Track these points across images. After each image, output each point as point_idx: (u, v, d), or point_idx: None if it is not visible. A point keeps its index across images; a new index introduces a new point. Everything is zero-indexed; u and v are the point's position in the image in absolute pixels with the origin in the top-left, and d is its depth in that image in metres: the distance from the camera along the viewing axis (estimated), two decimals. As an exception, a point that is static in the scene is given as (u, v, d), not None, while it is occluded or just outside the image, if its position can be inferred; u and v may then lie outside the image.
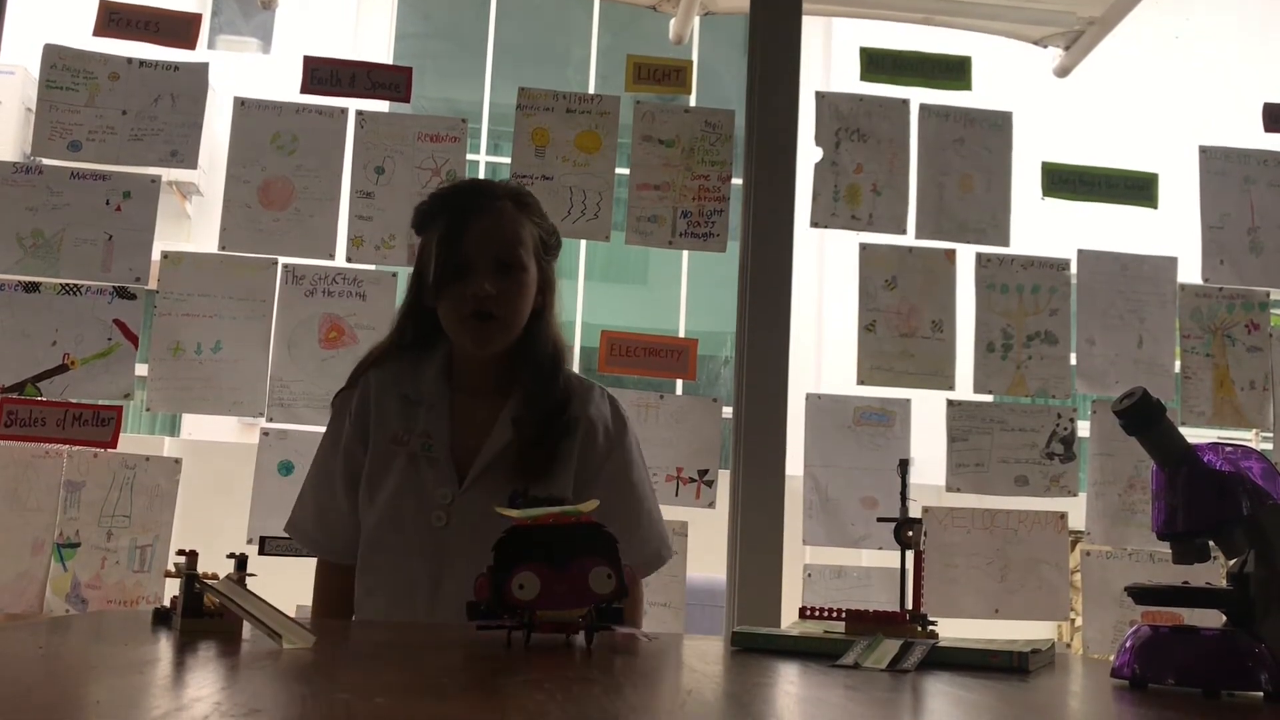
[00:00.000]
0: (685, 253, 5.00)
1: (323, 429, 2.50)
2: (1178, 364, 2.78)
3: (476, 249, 1.67)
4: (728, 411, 2.65)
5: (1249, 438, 4.34)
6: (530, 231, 1.73)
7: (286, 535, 1.88)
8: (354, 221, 2.58)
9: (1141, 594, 1.16)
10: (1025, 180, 2.79)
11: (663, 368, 2.64)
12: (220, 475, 3.22)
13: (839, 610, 1.33)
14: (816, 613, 1.36)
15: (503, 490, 1.45)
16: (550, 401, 1.70)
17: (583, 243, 2.73)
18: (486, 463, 1.66)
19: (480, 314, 1.66)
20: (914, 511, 1.41)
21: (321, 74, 2.63)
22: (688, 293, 8.21)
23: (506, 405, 1.70)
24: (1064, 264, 2.78)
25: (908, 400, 2.70)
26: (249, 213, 2.56)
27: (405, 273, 2.57)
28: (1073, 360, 2.75)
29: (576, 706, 0.82)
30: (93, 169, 2.53)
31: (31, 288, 2.48)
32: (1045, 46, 3.86)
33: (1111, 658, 1.13)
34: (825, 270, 7.15)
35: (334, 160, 2.59)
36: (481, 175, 8.40)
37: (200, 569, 1.20)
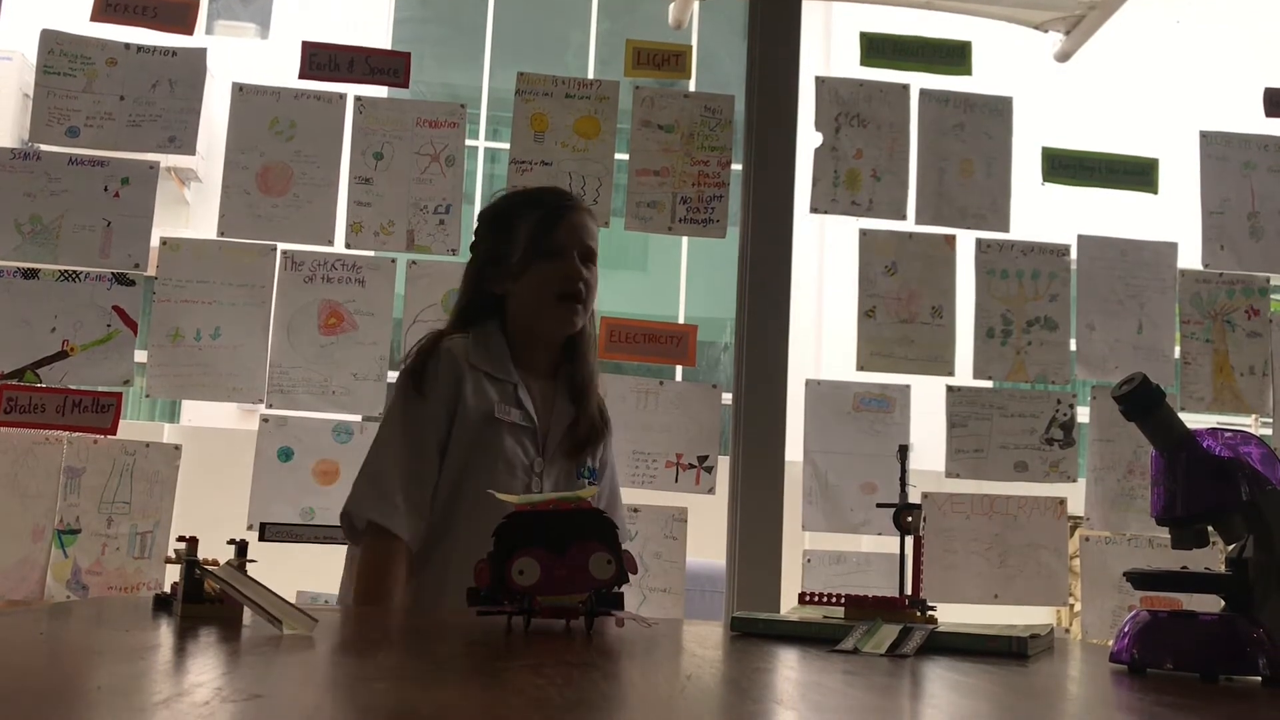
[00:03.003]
0: (685, 238, 5.00)
1: (321, 415, 2.53)
2: (1177, 349, 2.78)
3: (569, 237, 1.84)
4: (727, 398, 2.65)
5: (1248, 423, 4.34)
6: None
7: (347, 517, 1.73)
8: (353, 207, 2.57)
9: (1140, 579, 1.16)
10: (1025, 165, 2.79)
11: (662, 354, 2.64)
12: (220, 461, 3.22)
13: (838, 595, 1.33)
14: (816, 598, 1.37)
15: (563, 460, 1.81)
16: (587, 384, 1.88)
17: (582, 228, 2.71)
18: (557, 437, 1.82)
19: (570, 295, 1.82)
20: (913, 497, 1.42)
21: (320, 59, 2.62)
22: (687, 279, 8.20)
23: (555, 385, 1.86)
24: (1064, 249, 2.78)
25: (907, 386, 2.70)
26: (248, 199, 2.55)
27: (404, 259, 2.58)
28: (1072, 346, 2.75)
29: (576, 691, 0.82)
30: (91, 155, 2.52)
31: (30, 274, 2.47)
32: (1046, 31, 3.86)
33: (1110, 642, 1.14)
34: (825, 256, 7.15)
35: (333, 146, 2.59)
36: (480, 161, 8.38)
37: (200, 555, 1.21)
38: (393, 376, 2.54)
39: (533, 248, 1.82)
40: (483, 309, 1.86)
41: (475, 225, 1.94)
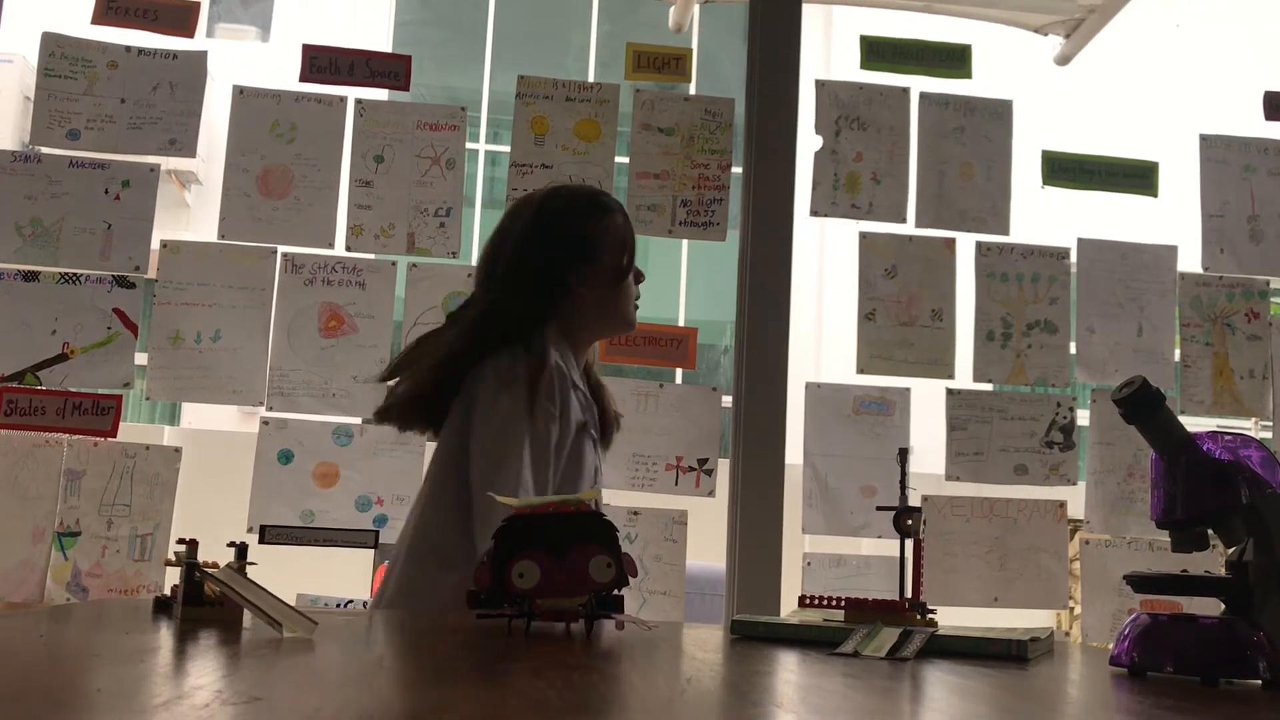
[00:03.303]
0: (685, 241, 5.00)
1: (321, 418, 2.53)
2: (1177, 353, 2.78)
3: None
4: (727, 400, 2.65)
5: (1248, 426, 4.34)
6: None
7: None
8: (353, 210, 2.58)
9: (1140, 582, 1.16)
10: (1025, 169, 2.79)
11: (662, 357, 2.64)
12: (220, 464, 3.22)
13: (838, 598, 1.33)
14: (816, 601, 1.37)
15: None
16: (600, 379, 1.95)
17: (582, 231, 2.71)
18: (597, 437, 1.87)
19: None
20: (913, 500, 1.42)
21: (320, 62, 2.62)
22: (687, 281, 8.20)
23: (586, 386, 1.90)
24: (1064, 253, 2.78)
25: (907, 389, 2.70)
26: (248, 201, 2.55)
27: (405, 261, 2.58)
28: (1072, 349, 2.75)
29: (576, 694, 0.82)
30: (92, 157, 2.52)
31: (31, 276, 2.47)
32: (1045, 34, 3.86)
33: (1110, 646, 1.14)
34: (825, 259, 7.15)
35: (333, 149, 2.59)
36: (480, 164, 8.39)
37: (200, 557, 1.21)
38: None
39: (629, 253, 1.87)
40: (549, 310, 1.82)
41: (539, 220, 1.84)
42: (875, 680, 0.99)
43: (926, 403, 2.74)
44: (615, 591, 1.19)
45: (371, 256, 2.58)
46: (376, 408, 1.84)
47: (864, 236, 2.72)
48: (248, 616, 1.17)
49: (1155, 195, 2.83)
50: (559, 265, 1.81)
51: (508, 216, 1.89)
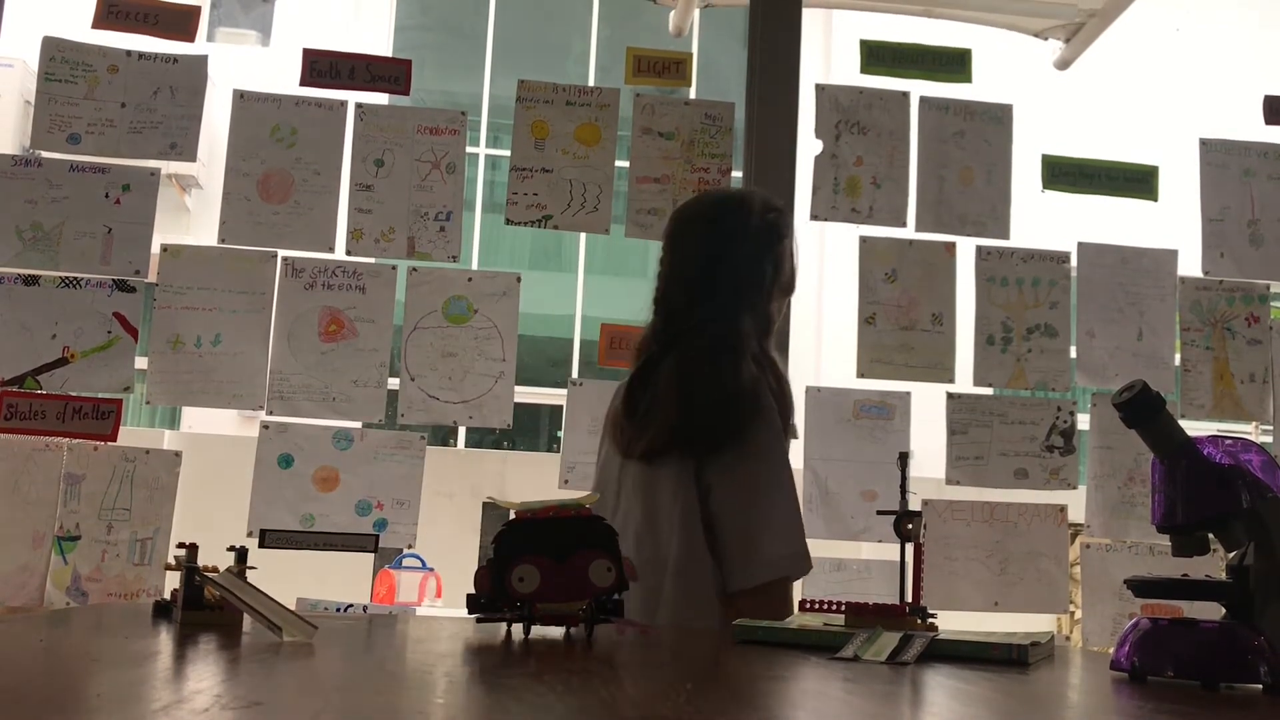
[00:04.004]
0: (685, 245, 4.99)
1: (321, 422, 2.53)
2: (1178, 357, 2.78)
3: None
4: (728, 404, 2.64)
5: (1249, 430, 4.34)
6: None
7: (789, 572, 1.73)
8: (353, 214, 2.58)
9: (1141, 586, 1.16)
10: (1025, 173, 2.79)
11: (662, 361, 2.63)
12: (220, 468, 3.22)
13: (839, 603, 1.33)
14: (816, 605, 1.36)
15: None
16: None
17: (582, 235, 2.72)
18: None
19: None
20: (914, 504, 1.42)
21: (321, 66, 2.62)
22: (688, 286, 8.20)
23: None
24: (1064, 257, 2.78)
25: (907, 393, 2.70)
26: (248, 205, 2.55)
27: (405, 266, 2.58)
28: (1073, 353, 2.75)
29: (576, 699, 0.82)
30: (92, 162, 2.52)
31: (31, 281, 2.47)
32: (1046, 39, 3.87)
33: (1111, 650, 1.13)
34: (825, 263, 7.16)
35: (333, 153, 2.59)
36: (480, 168, 8.39)
37: (200, 562, 1.21)
38: (394, 384, 2.55)
39: (795, 265, 1.85)
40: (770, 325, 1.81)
41: (761, 235, 1.81)
42: (875, 685, 0.99)
43: (927, 407, 2.74)
44: (615, 595, 1.19)
45: (371, 261, 2.58)
46: (640, 451, 1.72)
47: (864, 241, 2.72)
48: (248, 621, 1.16)
49: (1155, 199, 2.83)
50: (775, 280, 1.82)
51: (717, 227, 1.82)
